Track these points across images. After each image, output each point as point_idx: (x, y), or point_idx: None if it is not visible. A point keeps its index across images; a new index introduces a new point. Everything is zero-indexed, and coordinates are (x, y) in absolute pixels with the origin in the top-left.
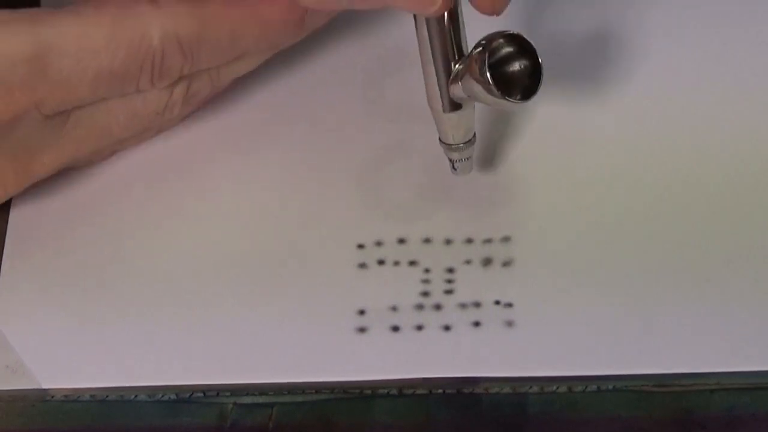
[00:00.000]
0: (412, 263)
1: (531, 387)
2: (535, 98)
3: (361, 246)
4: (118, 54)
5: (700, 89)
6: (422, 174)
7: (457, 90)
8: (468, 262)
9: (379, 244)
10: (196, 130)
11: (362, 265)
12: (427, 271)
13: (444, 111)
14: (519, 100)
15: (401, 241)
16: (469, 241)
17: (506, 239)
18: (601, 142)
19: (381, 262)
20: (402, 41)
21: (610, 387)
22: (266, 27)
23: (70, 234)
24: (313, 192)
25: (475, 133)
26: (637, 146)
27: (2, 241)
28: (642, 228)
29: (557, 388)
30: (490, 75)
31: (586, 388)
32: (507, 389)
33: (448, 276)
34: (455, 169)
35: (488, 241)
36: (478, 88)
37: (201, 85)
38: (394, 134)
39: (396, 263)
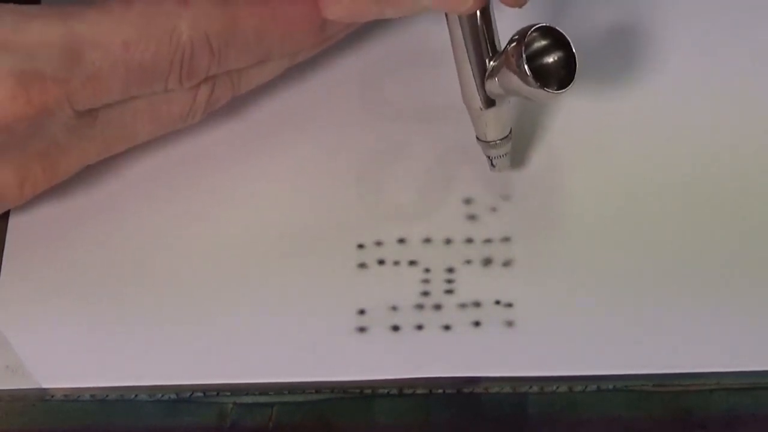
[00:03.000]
0: (412, 263)
1: (531, 387)
2: (570, 89)
3: (361, 246)
4: (148, 48)
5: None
6: (422, 174)
7: (493, 86)
8: (468, 262)
9: (379, 244)
10: (197, 132)
11: (362, 265)
12: (427, 271)
13: (482, 108)
14: (556, 90)
15: (401, 241)
16: (469, 241)
17: (506, 239)
18: (601, 140)
19: (381, 262)
20: (402, 41)
21: (610, 387)
22: (289, 28)
23: (70, 234)
24: (313, 192)
25: (511, 129)
26: (639, 143)
27: (2, 241)
28: (642, 228)
29: (557, 388)
30: (528, 67)
31: (586, 388)
32: (507, 389)
33: (448, 276)
34: (494, 166)
35: (488, 241)
36: (515, 81)
37: (223, 90)
38: (394, 134)
39: (396, 263)
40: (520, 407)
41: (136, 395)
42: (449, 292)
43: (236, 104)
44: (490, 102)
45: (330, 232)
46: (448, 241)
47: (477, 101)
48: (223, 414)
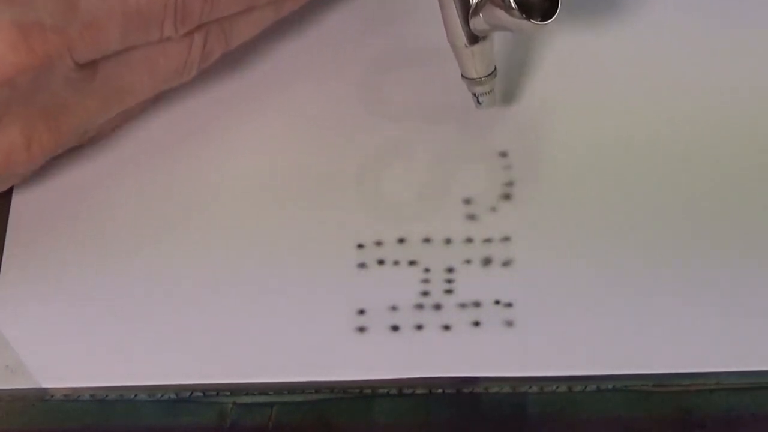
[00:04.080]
0: (412, 263)
1: (531, 387)
2: (554, 21)
3: (361, 246)
4: None
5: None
6: (422, 174)
7: (477, 22)
8: (468, 261)
9: (379, 243)
10: (196, 129)
11: (362, 265)
12: (426, 270)
13: (467, 45)
14: (540, 22)
15: (401, 240)
16: (469, 240)
17: (506, 239)
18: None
19: (381, 262)
20: (402, 41)
21: (610, 387)
22: None
23: (69, 234)
24: (313, 192)
25: (495, 66)
26: (625, 140)
27: (2, 241)
28: (642, 228)
29: (557, 388)
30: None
31: (585, 388)
32: (507, 389)
33: (448, 276)
34: (480, 103)
35: (488, 241)
36: (501, 15)
37: (215, 42)
38: (394, 134)
39: (396, 263)
40: (520, 407)
41: (136, 395)
42: (449, 292)
43: (236, 104)
44: (474, 39)
45: (330, 232)
46: (447, 241)
47: (462, 38)
48: (222, 414)
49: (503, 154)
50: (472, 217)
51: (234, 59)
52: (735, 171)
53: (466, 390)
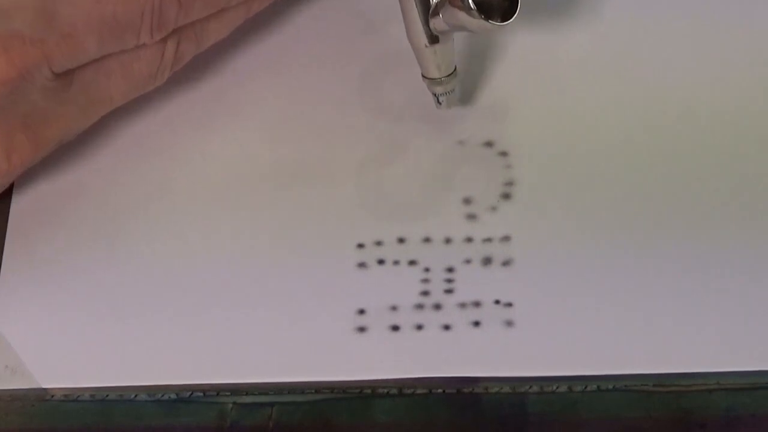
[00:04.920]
0: (412, 263)
1: (531, 387)
2: (514, 21)
3: (361, 245)
4: (119, 0)
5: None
6: (422, 174)
7: (437, 22)
8: (468, 261)
9: (379, 243)
10: (197, 129)
11: (362, 265)
12: (426, 270)
13: (426, 45)
14: (500, 22)
15: (401, 240)
16: (469, 240)
17: (506, 239)
18: (591, 132)
19: (381, 262)
20: (402, 41)
21: (610, 387)
22: None
23: (69, 234)
24: (313, 191)
25: (456, 66)
26: (625, 140)
27: (2, 241)
28: (641, 228)
29: (557, 387)
30: (472, 1)
31: (585, 387)
32: (507, 389)
33: (448, 275)
34: (440, 104)
35: (488, 240)
36: (460, 16)
37: (187, 45)
38: (394, 134)
39: (396, 263)
40: (520, 407)
41: (136, 395)
42: (449, 291)
43: (236, 103)
44: (434, 38)
45: (330, 231)
46: (447, 241)
47: (422, 38)
48: (222, 414)
49: (503, 154)
50: (472, 216)
51: (234, 59)
52: (735, 171)
53: (466, 390)
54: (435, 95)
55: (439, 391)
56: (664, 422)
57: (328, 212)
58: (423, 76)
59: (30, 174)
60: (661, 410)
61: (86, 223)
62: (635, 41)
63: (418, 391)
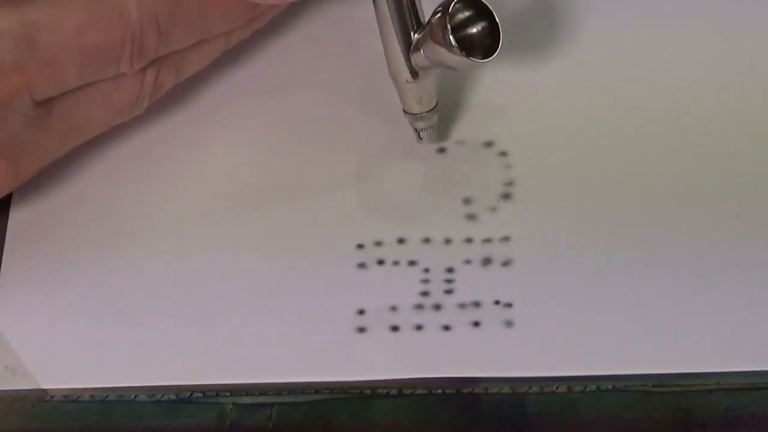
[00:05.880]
0: (412, 263)
1: (531, 387)
2: (495, 57)
3: (360, 246)
4: (100, 29)
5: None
6: (422, 174)
7: (419, 58)
8: (467, 261)
9: (378, 244)
10: (196, 129)
11: (362, 265)
12: (426, 270)
13: (407, 81)
14: (481, 59)
15: (401, 241)
16: (469, 240)
17: (506, 239)
18: (591, 132)
19: (381, 262)
20: None
21: (610, 387)
22: (228, 4)
23: (69, 234)
24: (313, 192)
25: (437, 101)
26: (625, 140)
27: (2, 241)
28: (641, 228)
29: (557, 388)
30: (453, 38)
31: (585, 388)
32: (507, 389)
33: (448, 276)
34: (421, 138)
35: (488, 240)
36: (441, 52)
37: (166, 75)
38: (394, 134)
39: (395, 263)
40: (520, 407)
41: (135, 395)
42: (449, 292)
43: (236, 104)
44: (415, 74)
45: (330, 232)
46: (447, 241)
47: (403, 74)
48: (222, 414)
49: (503, 154)
50: (472, 217)
51: (235, 60)
52: (735, 172)
53: (465, 390)
54: (416, 130)
55: (439, 391)
56: (664, 422)
57: (328, 213)
58: (404, 111)
59: (32, 177)
60: (661, 410)
61: (87, 224)
62: (636, 41)
63: (418, 392)
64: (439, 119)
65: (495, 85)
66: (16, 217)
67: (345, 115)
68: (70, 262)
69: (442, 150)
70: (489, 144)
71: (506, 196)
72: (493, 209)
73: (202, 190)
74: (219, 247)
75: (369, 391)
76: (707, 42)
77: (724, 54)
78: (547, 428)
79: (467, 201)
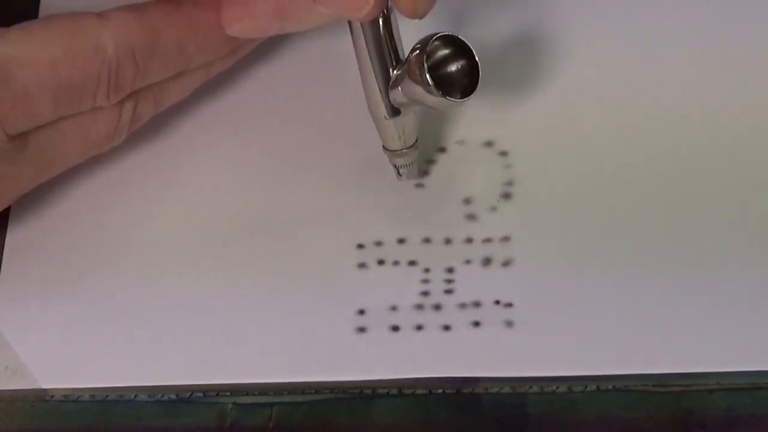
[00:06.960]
0: (412, 263)
1: (531, 387)
2: (473, 97)
3: (361, 246)
4: (75, 64)
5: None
6: (422, 174)
7: (397, 95)
8: (468, 261)
9: (378, 244)
10: (194, 133)
11: (362, 265)
12: (426, 270)
13: (386, 117)
14: (459, 98)
15: (401, 241)
16: (469, 240)
17: (506, 239)
18: (591, 132)
19: (381, 262)
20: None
21: (610, 387)
22: (206, 36)
23: (69, 235)
24: (313, 192)
25: (417, 138)
26: (625, 140)
27: (2, 241)
28: (641, 228)
29: (557, 388)
30: (430, 77)
31: (585, 388)
32: (507, 389)
33: (448, 276)
34: (400, 175)
35: (488, 240)
36: (418, 91)
37: (145, 106)
38: None
39: (396, 263)
40: (520, 407)
41: (136, 395)
42: (449, 292)
43: (236, 104)
44: (395, 111)
45: (330, 232)
46: (447, 241)
47: (382, 110)
48: (222, 414)
49: (503, 154)
50: (472, 217)
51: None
52: (734, 172)
53: (466, 390)
54: (395, 167)
55: (439, 391)
56: (664, 422)
57: (328, 213)
58: (384, 148)
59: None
60: (661, 410)
61: (85, 224)
62: (636, 41)
63: (418, 392)
64: (419, 156)
65: (495, 87)
66: (17, 217)
67: (345, 115)
68: (69, 263)
69: (442, 150)
70: (489, 144)
71: (506, 196)
72: (493, 209)
73: (201, 190)
74: (219, 246)
75: (369, 391)
76: (712, 42)
77: (724, 54)
78: (547, 428)
79: (467, 201)
